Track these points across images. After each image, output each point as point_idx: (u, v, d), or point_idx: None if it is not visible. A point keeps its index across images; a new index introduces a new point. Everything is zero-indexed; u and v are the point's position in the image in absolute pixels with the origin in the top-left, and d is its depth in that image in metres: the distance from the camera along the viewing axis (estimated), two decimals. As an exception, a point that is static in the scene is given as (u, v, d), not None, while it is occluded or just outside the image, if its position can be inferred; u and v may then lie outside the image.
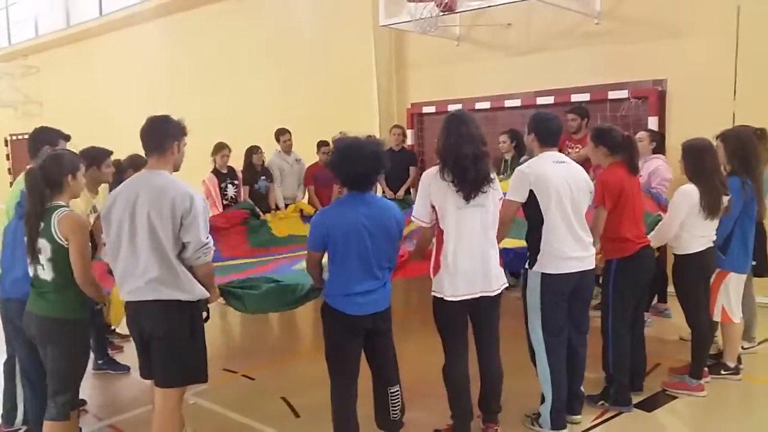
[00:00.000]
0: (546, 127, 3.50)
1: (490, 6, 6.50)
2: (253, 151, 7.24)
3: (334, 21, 9.11)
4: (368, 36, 8.58)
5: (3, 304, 3.48)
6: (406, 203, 7.21)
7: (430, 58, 8.43)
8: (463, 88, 8.11)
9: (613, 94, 6.92)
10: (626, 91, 6.83)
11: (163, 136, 3.03)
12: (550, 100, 7.32)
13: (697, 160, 3.90)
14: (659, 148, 5.60)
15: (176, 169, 3.11)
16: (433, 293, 3.37)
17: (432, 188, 3.28)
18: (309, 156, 7.61)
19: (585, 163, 4.62)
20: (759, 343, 4.86)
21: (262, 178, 7.23)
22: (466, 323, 3.38)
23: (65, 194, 3.16)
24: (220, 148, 7.07)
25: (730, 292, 4.14)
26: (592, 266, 3.55)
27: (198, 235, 2.94)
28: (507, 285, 3.42)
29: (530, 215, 3.50)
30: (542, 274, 3.46)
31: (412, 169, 7.75)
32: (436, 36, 7.73)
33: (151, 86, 11.99)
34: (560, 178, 3.42)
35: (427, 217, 3.33)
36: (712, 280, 4.11)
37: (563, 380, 3.53)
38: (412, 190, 7.56)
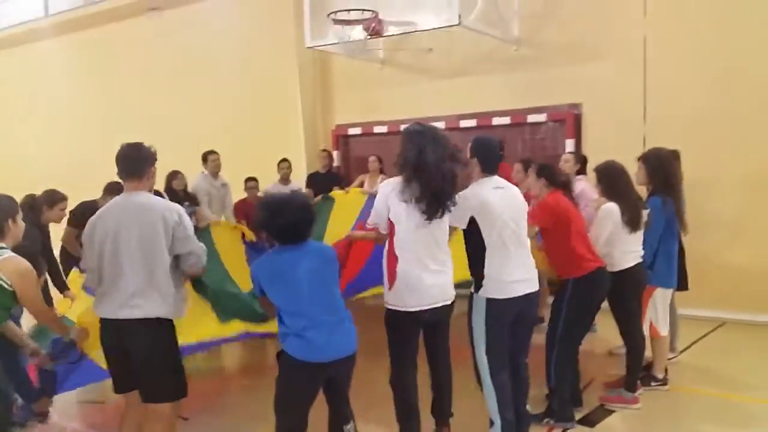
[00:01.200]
0: (488, 153, 3.53)
1: (414, 31, 6.59)
2: (172, 176, 6.98)
3: (257, 40, 8.96)
4: (292, 57, 8.51)
5: None
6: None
7: (355, 80, 8.47)
8: (388, 111, 8.18)
9: (532, 118, 7.22)
10: (544, 114, 7.14)
11: (141, 161, 3.14)
12: (472, 123, 7.53)
13: (611, 180, 4.12)
14: (582, 170, 5.85)
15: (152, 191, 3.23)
16: (387, 305, 3.36)
17: (392, 201, 3.27)
18: (232, 181, 7.37)
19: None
20: (680, 352, 5.15)
21: (186, 204, 6.95)
22: (419, 333, 3.40)
23: (8, 238, 3.05)
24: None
25: (657, 307, 4.37)
26: (536, 288, 3.58)
27: (196, 243, 3.12)
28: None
29: (472, 241, 3.50)
30: (487, 299, 3.45)
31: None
32: (361, 59, 7.79)
33: (55, 107, 11.30)
34: (501, 203, 3.44)
35: (384, 227, 3.33)
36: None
37: (509, 402, 3.54)
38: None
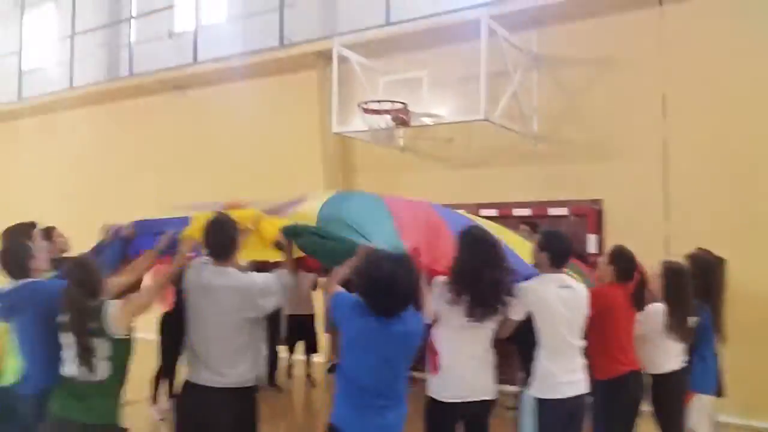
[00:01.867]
0: (559, 248, 3.51)
1: (441, 123, 6.75)
2: None
3: (280, 123, 9.13)
4: (315, 141, 8.67)
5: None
6: None
7: (376, 164, 8.58)
8: (408, 195, 8.20)
9: (553, 211, 7.28)
10: (566, 208, 7.20)
11: (229, 241, 3.34)
12: (493, 212, 7.56)
13: (676, 281, 4.04)
14: None
15: None
16: (427, 393, 3.36)
17: (441, 299, 3.28)
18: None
19: None
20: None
21: None
22: (455, 427, 3.33)
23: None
24: None
25: (698, 413, 4.23)
26: (586, 391, 3.53)
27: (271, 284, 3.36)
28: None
29: (525, 334, 3.47)
30: (536, 398, 3.42)
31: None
32: (381, 145, 7.93)
33: (75, 177, 11.39)
34: (561, 304, 3.42)
35: (431, 318, 3.31)
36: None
37: None
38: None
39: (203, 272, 3.30)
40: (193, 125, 10.04)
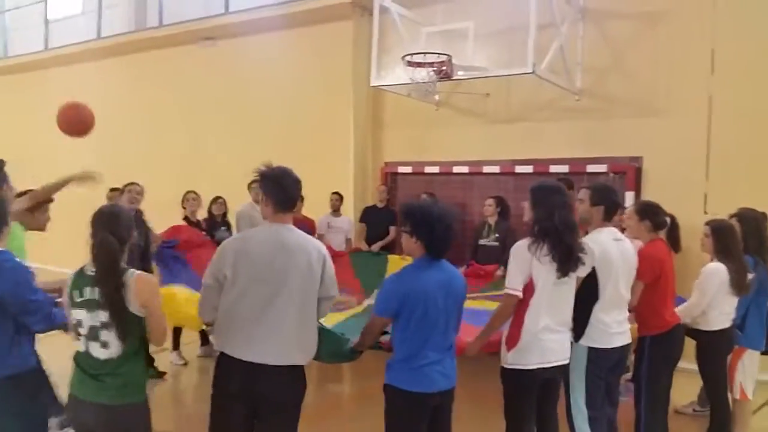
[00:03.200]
0: (614, 201, 3.56)
1: (486, 77, 6.65)
2: (213, 201, 7.12)
3: (311, 75, 9.05)
4: (347, 93, 8.58)
5: None
6: (381, 258, 7.16)
7: (408, 119, 8.51)
8: (441, 152, 8.23)
9: (591, 168, 7.21)
10: (605, 165, 7.13)
11: (297, 192, 2.97)
12: (529, 169, 7.53)
13: (725, 240, 4.07)
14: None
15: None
16: (507, 366, 3.33)
17: (533, 261, 3.23)
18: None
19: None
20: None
21: (222, 228, 7.01)
22: (536, 393, 3.35)
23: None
24: (188, 195, 6.91)
25: (746, 369, 4.28)
26: (630, 341, 3.63)
27: (334, 290, 2.99)
28: None
29: (584, 289, 3.48)
30: (589, 348, 3.48)
31: (392, 229, 7.73)
32: (416, 99, 7.84)
33: (101, 129, 11.33)
34: (619, 256, 3.49)
35: (521, 288, 3.26)
36: (729, 357, 4.23)
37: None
38: (389, 249, 7.50)
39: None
40: (223, 77, 9.96)
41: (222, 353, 2.90)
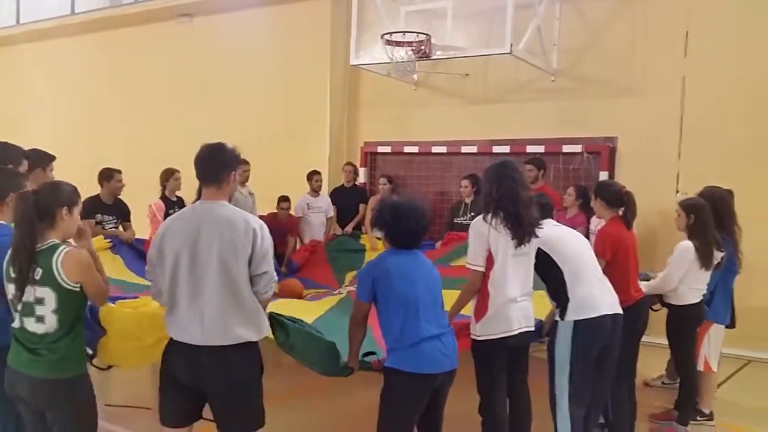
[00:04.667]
0: (542, 204, 3.71)
1: (464, 57, 6.69)
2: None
3: (289, 53, 8.99)
4: (324, 72, 8.56)
5: None
6: (355, 238, 7.31)
7: (386, 99, 8.52)
8: (420, 131, 8.27)
9: (567, 148, 7.31)
10: (580, 145, 7.24)
11: (222, 165, 2.87)
12: (506, 149, 7.60)
13: (697, 217, 4.19)
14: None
15: (228, 200, 2.95)
16: (476, 337, 3.42)
17: (491, 231, 3.36)
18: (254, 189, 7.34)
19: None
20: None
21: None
22: (506, 360, 3.46)
23: (58, 231, 2.73)
24: (171, 173, 6.72)
25: (711, 343, 4.44)
26: (621, 312, 3.62)
27: (271, 265, 2.84)
28: None
29: (547, 269, 3.59)
30: (575, 321, 3.48)
31: (361, 206, 7.82)
32: (395, 79, 7.85)
33: (75, 104, 11.21)
34: (562, 234, 3.72)
35: (483, 263, 3.38)
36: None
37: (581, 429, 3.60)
38: (362, 226, 7.58)
39: None
40: (200, 55, 9.84)
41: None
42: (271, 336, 3.13)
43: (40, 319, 2.63)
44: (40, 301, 2.62)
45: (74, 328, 2.70)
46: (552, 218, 3.82)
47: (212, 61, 9.71)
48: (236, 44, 9.46)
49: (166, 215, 6.52)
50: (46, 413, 2.71)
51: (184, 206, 6.54)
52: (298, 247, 7.47)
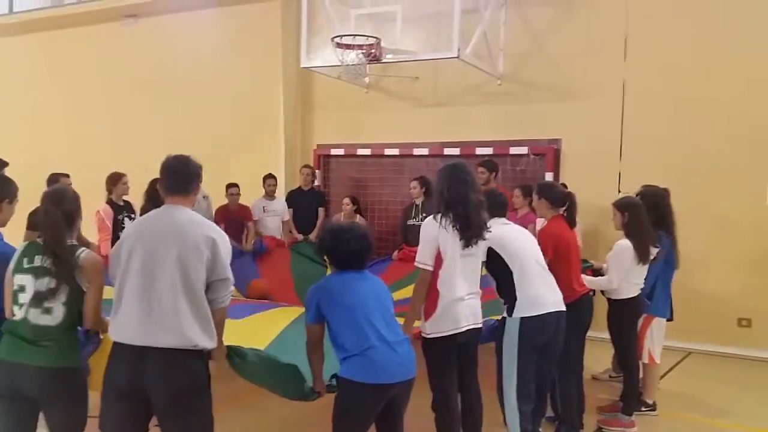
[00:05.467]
0: (495, 203, 3.84)
1: (414, 60, 6.79)
2: (156, 182, 6.81)
3: (240, 55, 8.91)
4: (277, 74, 8.54)
5: None
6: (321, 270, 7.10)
7: (338, 102, 8.57)
8: (372, 134, 8.35)
9: (514, 150, 7.52)
10: (526, 147, 7.45)
11: (192, 176, 2.95)
12: (456, 151, 7.75)
13: (631, 216, 4.38)
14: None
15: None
16: (426, 335, 3.50)
17: (440, 231, 3.44)
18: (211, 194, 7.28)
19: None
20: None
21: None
22: (456, 356, 3.54)
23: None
24: (119, 178, 6.57)
25: (654, 336, 4.65)
26: (564, 309, 3.79)
27: (229, 272, 2.82)
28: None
29: (496, 268, 3.72)
30: (521, 318, 3.63)
31: (320, 210, 7.81)
32: (346, 82, 7.90)
33: (15, 110, 10.82)
34: (512, 234, 3.83)
35: (431, 261, 3.45)
36: (639, 324, 4.58)
37: (531, 426, 3.73)
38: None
39: None
40: (148, 56, 9.64)
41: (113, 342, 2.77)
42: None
43: (48, 311, 2.75)
44: (52, 293, 2.74)
45: (75, 323, 2.85)
46: (506, 216, 3.93)
47: (160, 63, 9.52)
48: (185, 46, 9.32)
49: (115, 221, 6.44)
50: (42, 406, 2.79)
51: (133, 211, 6.61)
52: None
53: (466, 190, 3.49)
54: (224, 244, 2.84)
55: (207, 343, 2.74)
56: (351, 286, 3.03)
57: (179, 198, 2.90)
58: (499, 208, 3.88)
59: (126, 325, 2.69)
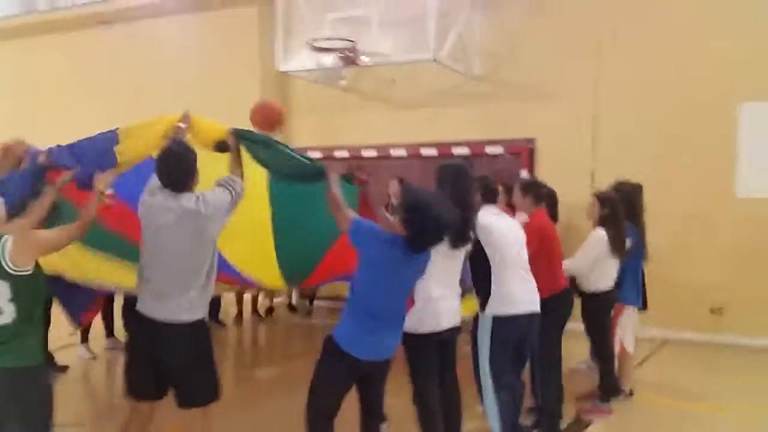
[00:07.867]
0: (488, 187, 3.89)
1: (390, 63, 6.89)
2: None
3: (219, 60, 8.91)
4: (254, 78, 8.58)
5: None
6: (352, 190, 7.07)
7: (316, 104, 8.63)
8: (350, 136, 8.42)
9: (490, 149, 7.67)
10: (501, 147, 7.59)
11: (186, 175, 3.19)
12: (433, 151, 7.88)
13: (608, 208, 4.52)
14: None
15: None
16: (407, 331, 3.47)
17: None
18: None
19: None
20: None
21: None
22: (435, 352, 3.58)
23: None
24: None
25: (624, 325, 4.79)
26: (538, 310, 3.82)
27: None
28: None
29: (476, 259, 3.73)
30: (494, 317, 3.69)
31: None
32: (324, 84, 7.97)
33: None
34: (500, 227, 3.79)
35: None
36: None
37: (510, 418, 3.77)
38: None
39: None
40: (123, 63, 9.59)
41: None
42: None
43: None
44: None
45: (34, 317, 2.71)
46: (496, 203, 3.92)
47: (136, 69, 9.46)
48: (161, 52, 9.28)
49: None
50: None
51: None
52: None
53: (468, 195, 3.53)
54: (210, 192, 3.18)
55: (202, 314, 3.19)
56: (399, 266, 3.03)
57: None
58: (492, 194, 3.90)
59: (143, 301, 3.19)
